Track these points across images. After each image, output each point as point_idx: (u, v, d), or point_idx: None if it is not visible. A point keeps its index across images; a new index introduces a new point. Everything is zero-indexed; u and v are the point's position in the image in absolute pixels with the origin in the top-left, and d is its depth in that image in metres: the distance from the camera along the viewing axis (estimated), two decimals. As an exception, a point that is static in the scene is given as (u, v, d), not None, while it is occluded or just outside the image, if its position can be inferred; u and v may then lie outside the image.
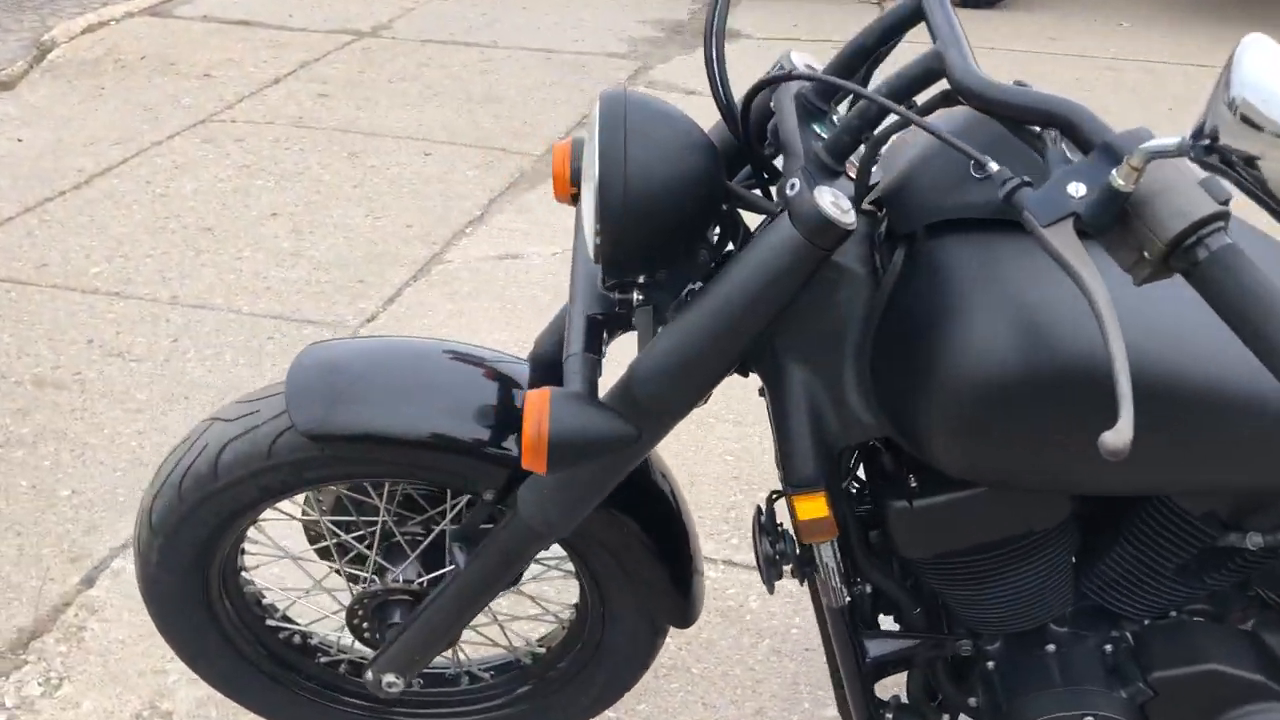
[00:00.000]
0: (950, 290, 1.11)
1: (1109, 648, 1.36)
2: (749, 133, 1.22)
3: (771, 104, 1.24)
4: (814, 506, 1.22)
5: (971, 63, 1.02)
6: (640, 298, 1.23)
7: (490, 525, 1.41)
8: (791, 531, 1.30)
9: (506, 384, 1.42)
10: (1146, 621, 1.36)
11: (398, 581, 1.48)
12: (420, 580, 1.48)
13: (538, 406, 1.11)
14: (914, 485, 1.26)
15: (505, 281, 3.13)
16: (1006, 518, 1.25)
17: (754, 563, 1.42)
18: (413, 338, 1.49)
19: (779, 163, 1.21)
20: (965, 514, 1.25)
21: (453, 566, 1.42)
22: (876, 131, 1.08)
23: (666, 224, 1.12)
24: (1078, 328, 1.05)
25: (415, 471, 1.40)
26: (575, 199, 1.43)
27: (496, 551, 1.35)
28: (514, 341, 2.82)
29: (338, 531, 1.51)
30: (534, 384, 1.41)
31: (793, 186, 1.06)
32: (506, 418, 1.37)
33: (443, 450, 1.35)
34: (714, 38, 1.19)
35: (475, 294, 3.07)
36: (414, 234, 3.36)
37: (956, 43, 1.05)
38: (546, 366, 1.45)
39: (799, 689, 1.90)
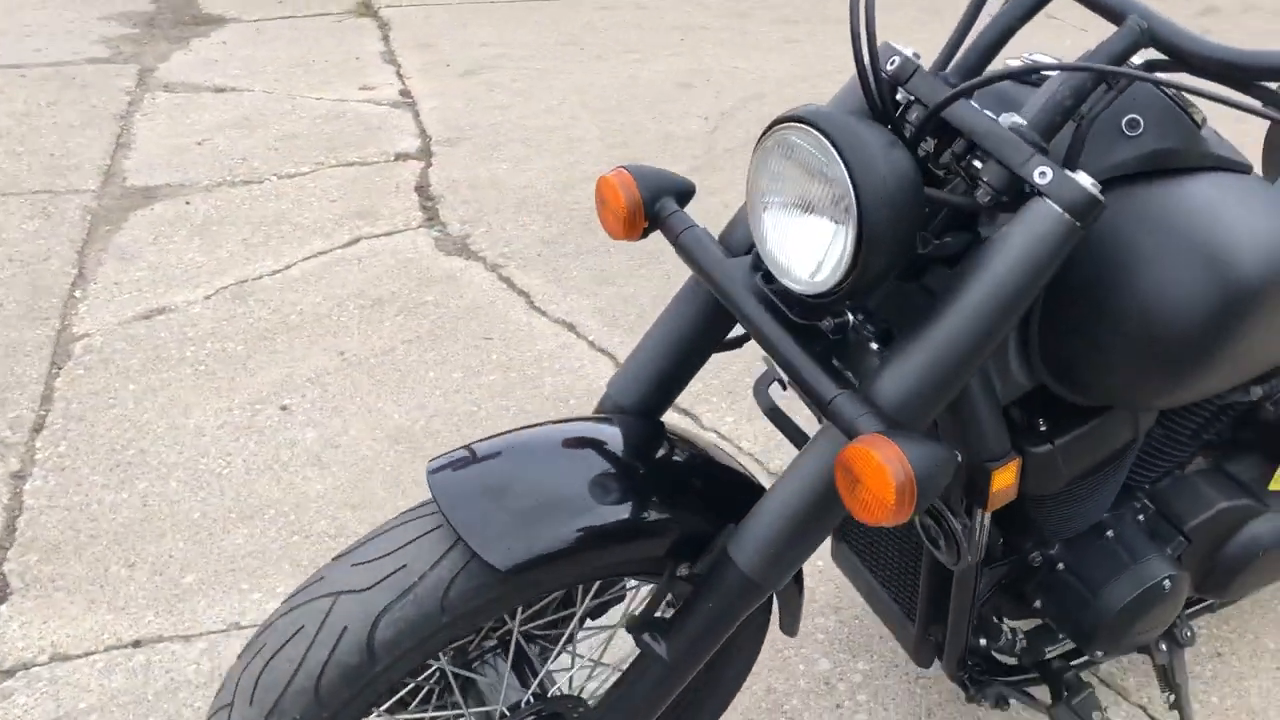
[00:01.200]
0: (1123, 244, 1.19)
1: (1141, 518, 1.57)
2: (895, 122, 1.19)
3: (905, 97, 1.22)
4: (1007, 475, 1.27)
5: (1183, 28, 1.10)
6: (857, 318, 1.17)
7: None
8: (957, 505, 1.33)
9: (638, 448, 1.27)
10: (1149, 486, 1.59)
11: (572, 692, 1.29)
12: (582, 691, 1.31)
13: (893, 453, 1.01)
14: (1045, 429, 1.35)
15: (173, 340, 2.66)
16: (1124, 432, 1.40)
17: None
18: (509, 431, 1.26)
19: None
20: (1098, 438, 1.37)
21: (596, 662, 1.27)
22: (1087, 108, 1.12)
23: (908, 237, 1.09)
24: (1242, 253, 1.19)
25: (603, 572, 1.22)
26: (644, 234, 1.33)
27: (706, 621, 1.22)
28: (235, 407, 2.44)
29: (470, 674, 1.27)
30: (642, 438, 1.29)
31: (1043, 174, 1.07)
32: (672, 484, 1.24)
33: (638, 538, 1.19)
34: (864, 28, 1.14)
35: (150, 365, 2.58)
36: (13, 314, 2.73)
37: (1153, 13, 1.11)
38: (646, 415, 1.34)
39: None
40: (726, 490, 1.29)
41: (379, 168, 3.54)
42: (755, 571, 1.16)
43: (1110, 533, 1.52)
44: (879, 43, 1.18)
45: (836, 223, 1.07)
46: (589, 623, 1.46)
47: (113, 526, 2.13)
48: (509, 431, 1.25)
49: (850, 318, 1.17)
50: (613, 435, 1.28)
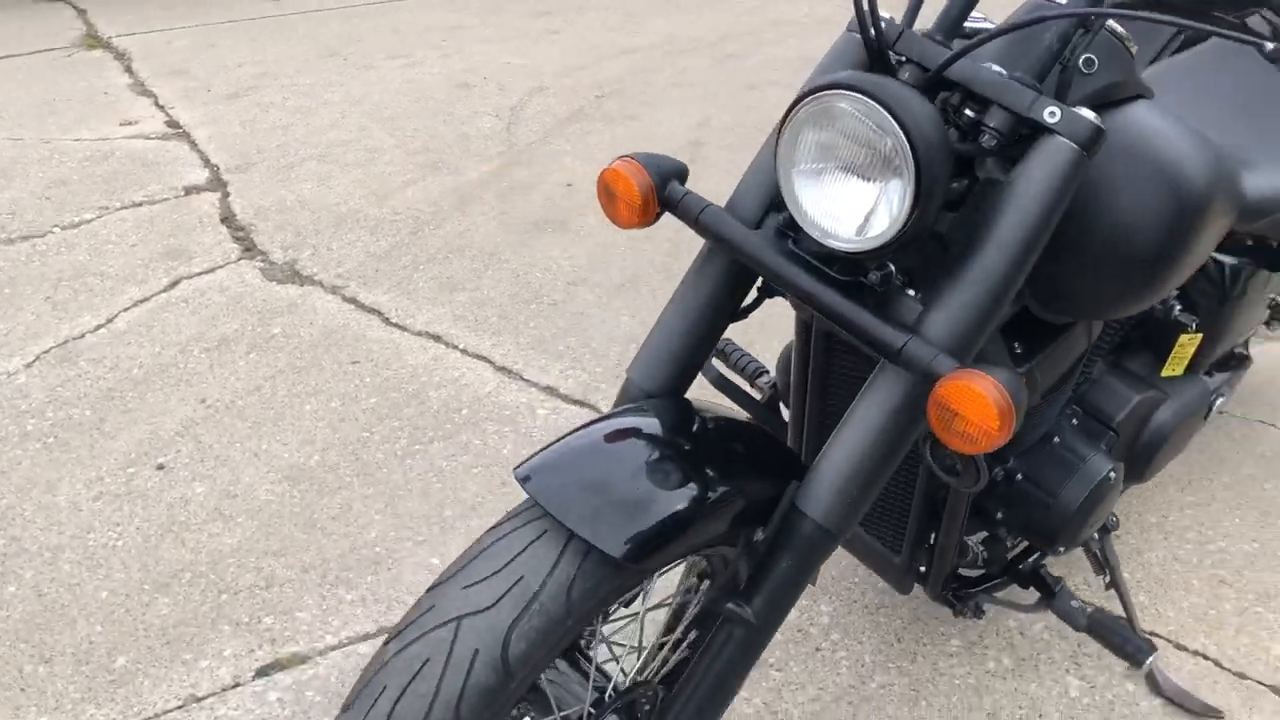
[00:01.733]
0: (1093, 173, 1.33)
1: (1075, 421, 1.74)
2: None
3: (895, 59, 1.29)
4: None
5: None
6: (893, 268, 1.24)
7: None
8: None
9: (682, 428, 1.30)
10: (1073, 391, 1.77)
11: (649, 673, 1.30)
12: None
13: (989, 384, 1.09)
14: (1020, 350, 1.48)
15: (6, 417, 2.43)
16: (1081, 344, 1.55)
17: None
18: (570, 433, 1.25)
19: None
20: (1063, 352, 1.52)
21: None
22: (1069, 50, 1.23)
23: (947, 187, 1.17)
24: (1188, 167, 1.35)
25: (695, 548, 1.24)
26: (655, 219, 1.35)
27: (785, 577, 1.27)
28: (105, 475, 2.27)
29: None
30: (681, 419, 1.32)
31: (1052, 114, 1.17)
32: (725, 456, 1.28)
33: (719, 510, 1.22)
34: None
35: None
36: None
37: None
38: (674, 395, 1.36)
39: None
40: (768, 454, 1.33)
41: (172, 204, 3.33)
42: (829, 520, 1.22)
43: (1056, 439, 1.68)
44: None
45: (886, 180, 1.14)
46: (620, 611, 1.48)
47: (10, 625, 1.93)
48: (570, 434, 1.24)
49: (892, 269, 1.24)
50: (657, 421, 1.29)
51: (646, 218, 1.34)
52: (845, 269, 1.23)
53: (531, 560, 1.12)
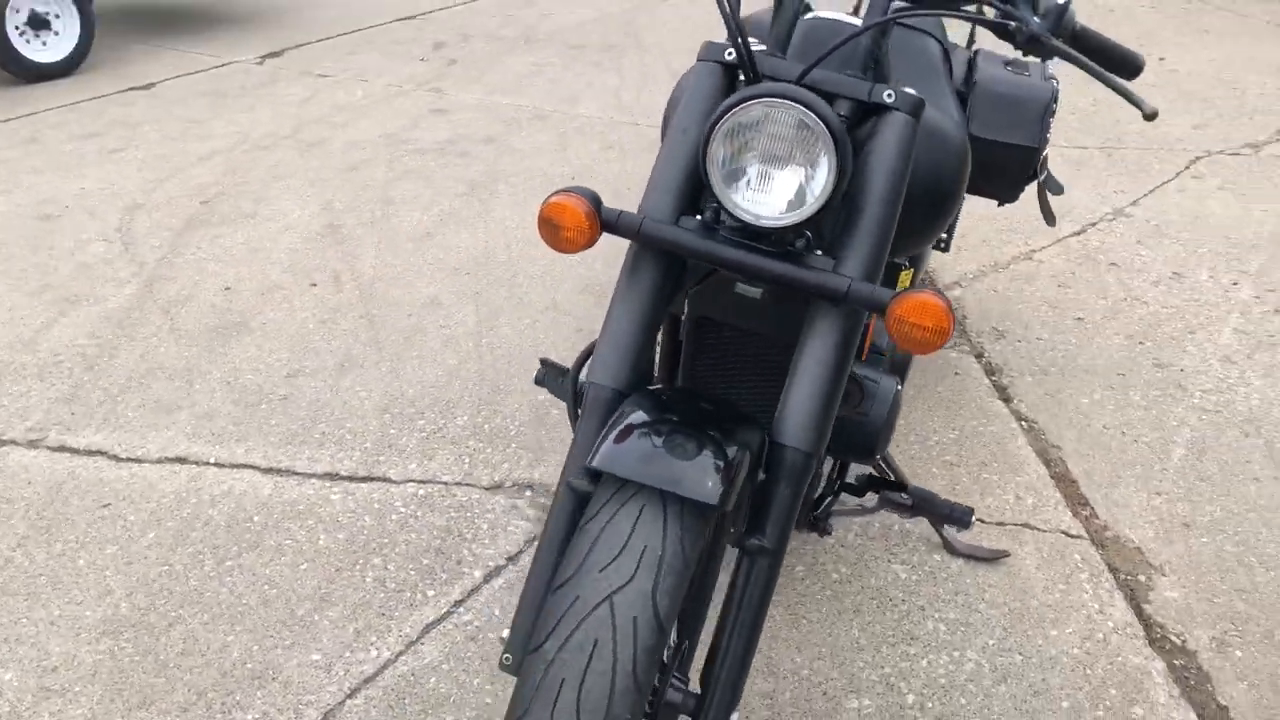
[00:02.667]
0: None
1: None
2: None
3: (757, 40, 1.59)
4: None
5: None
6: (809, 234, 1.52)
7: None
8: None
9: (668, 406, 1.50)
10: None
11: None
12: None
13: (934, 298, 1.40)
14: None
15: None
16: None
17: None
18: (609, 428, 1.38)
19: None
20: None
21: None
22: (881, 49, 1.60)
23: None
24: (952, 128, 1.78)
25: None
26: (595, 242, 1.54)
27: (784, 502, 1.50)
28: None
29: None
30: (658, 400, 1.52)
31: (889, 95, 1.53)
32: (715, 419, 1.49)
33: (747, 452, 1.43)
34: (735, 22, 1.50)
35: None
36: None
37: None
38: (641, 386, 1.56)
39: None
40: (733, 411, 1.57)
41: None
42: (808, 444, 1.49)
43: (852, 370, 2.07)
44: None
45: (811, 166, 1.43)
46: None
47: None
48: (607, 431, 1.39)
49: (809, 235, 1.52)
50: (661, 403, 1.48)
51: (591, 240, 1.53)
52: (774, 243, 1.51)
53: (644, 530, 1.28)
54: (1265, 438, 2.73)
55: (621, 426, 1.40)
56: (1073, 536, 2.38)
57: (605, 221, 1.53)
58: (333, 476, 2.56)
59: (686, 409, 1.49)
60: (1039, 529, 2.40)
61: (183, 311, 3.26)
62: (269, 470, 2.58)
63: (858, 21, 1.83)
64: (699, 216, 1.56)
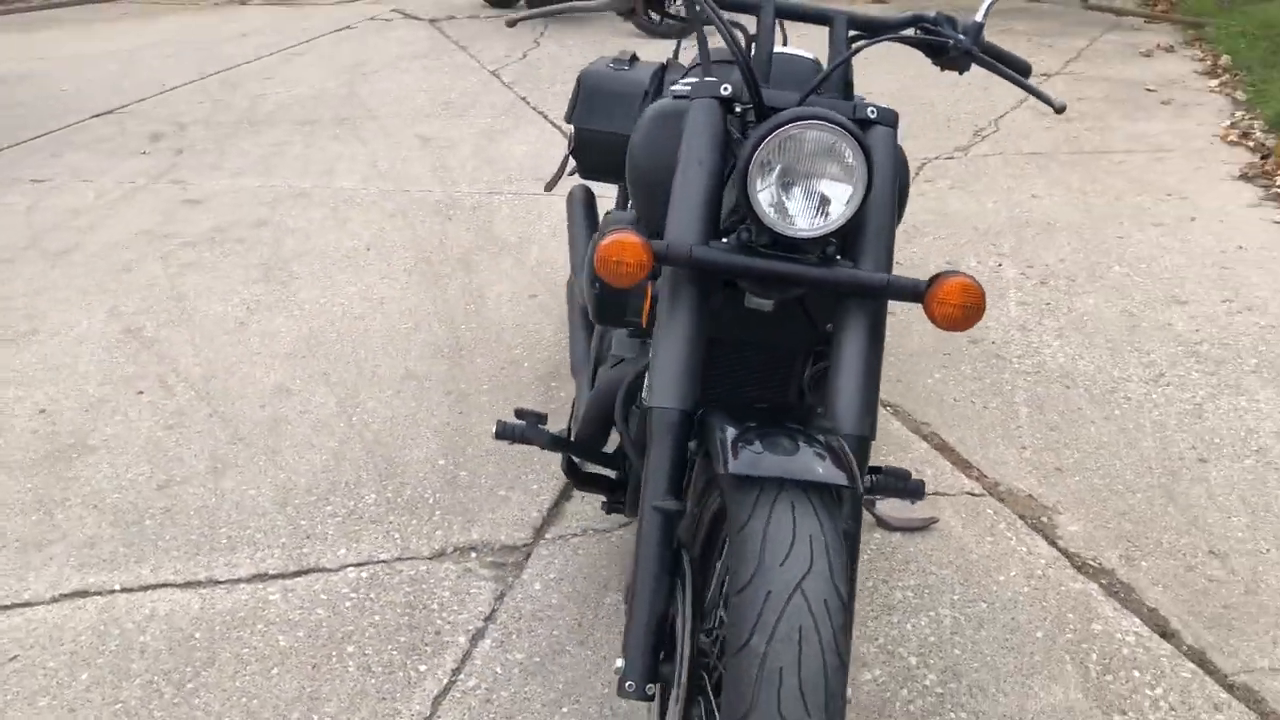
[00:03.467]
0: None
1: None
2: None
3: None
4: None
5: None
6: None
7: None
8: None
9: (753, 412, 1.61)
10: None
11: None
12: None
13: (968, 278, 1.58)
14: None
15: None
16: None
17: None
18: (726, 445, 1.47)
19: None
20: None
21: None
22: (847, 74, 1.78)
23: None
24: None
25: None
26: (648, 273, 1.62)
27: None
28: None
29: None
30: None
31: (871, 111, 1.71)
32: (795, 418, 1.62)
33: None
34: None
35: None
36: None
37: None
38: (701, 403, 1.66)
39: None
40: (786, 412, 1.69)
41: None
42: (867, 429, 1.63)
43: None
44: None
45: (845, 181, 1.58)
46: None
47: None
48: (728, 447, 1.47)
49: (834, 241, 1.67)
50: (729, 416, 1.58)
51: (648, 271, 1.60)
52: (805, 250, 1.64)
53: (804, 521, 1.38)
54: (1082, 387, 3.16)
55: (735, 435, 1.49)
56: (976, 495, 2.66)
57: (657, 253, 1.61)
58: (262, 577, 2.43)
59: (761, 415, 1.61)
60: (948, 494, 2.66)
61: (1, 445, 2.96)
62: (188, 584, 2.42)
63: (808, 54, 2.01)
64: (724, 240, 1.67)
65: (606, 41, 7.37)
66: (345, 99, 6.27)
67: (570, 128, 3.01)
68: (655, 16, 1.92)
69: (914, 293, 1.63)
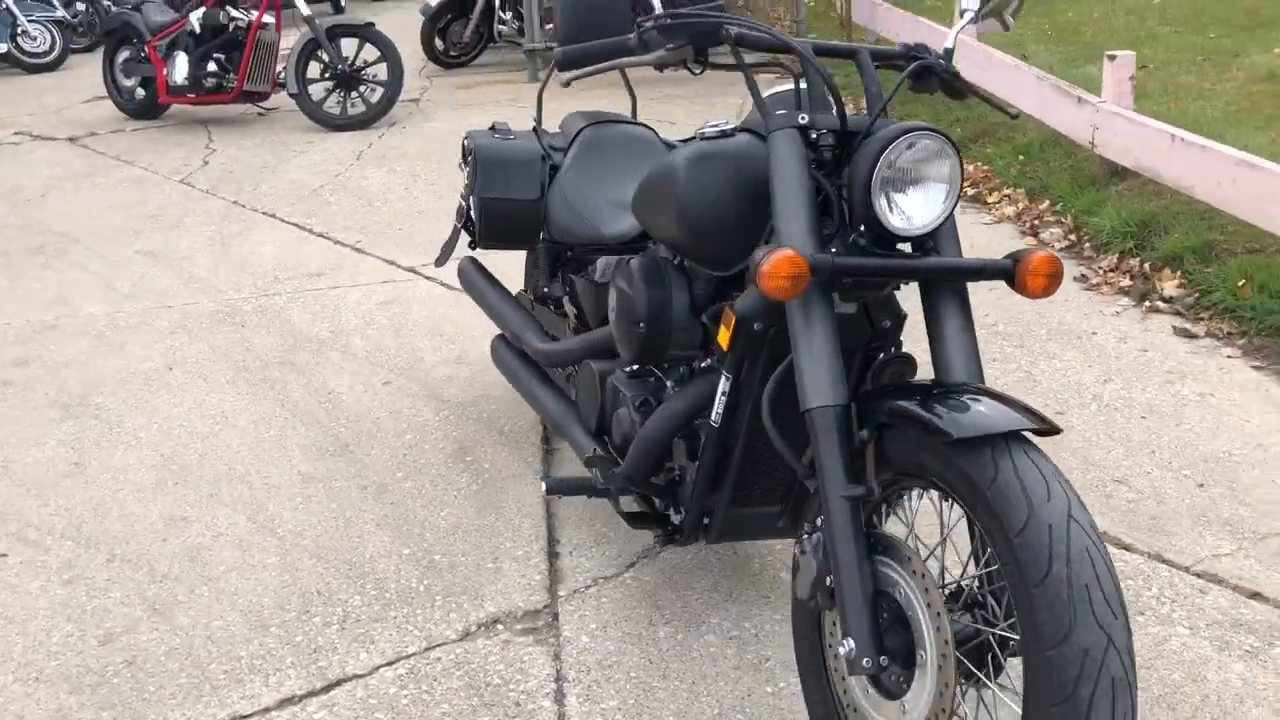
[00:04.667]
0: None
1: None
2: None
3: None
4: None
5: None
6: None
7: None
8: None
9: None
10: None
11: None
12: None
13: (1046, 250, 1.86)
14: None
15: None
16: None
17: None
18: (896, 394, 1.62)
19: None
20: None
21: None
22: None
23: None
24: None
25: None
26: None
27: None
28: None
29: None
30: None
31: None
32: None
33: None
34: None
35: None
36: None
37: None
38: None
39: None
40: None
41: None
42: (982, 380, 1.88)
43: None
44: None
45: (945, 182, 1.82)
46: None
47: None
48: (918, 412, 1.66)
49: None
50: (900, 395, 1.77)
51: (806, 284, 1.75)
52: (911, 246, 1.87)
53: (1040, 463, 1.60)
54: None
55: (933, 407, 1.67)
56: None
57: (813, 266, 1.77)
58: (291, 700, 2.27)
59: (924, 388, 1.81)
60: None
61: None
62: (214, 728, 2.20)
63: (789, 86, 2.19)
64: (832, 250, 1.86)
65: (285, 140, 7.21)
66: (25, 227, 5.71)
67: (463, 202, 3.07)
68: (697, 70, 2.07)
69: (1007, 271, 1.90)
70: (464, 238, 3.15)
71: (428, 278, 4.65)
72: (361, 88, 7.52)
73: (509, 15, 9.25)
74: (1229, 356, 3.62)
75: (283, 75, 7.55)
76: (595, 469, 2.32)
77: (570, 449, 3.19)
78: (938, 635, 1.67)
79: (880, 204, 1.82)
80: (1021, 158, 5.66)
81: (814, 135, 1.93)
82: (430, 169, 6.35)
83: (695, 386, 2.21)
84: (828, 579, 1.80)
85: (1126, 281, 4.20)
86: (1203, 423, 3.19)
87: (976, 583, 1.77)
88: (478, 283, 3.22)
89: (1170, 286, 4.05)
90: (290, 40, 7.61)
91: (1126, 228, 4.48)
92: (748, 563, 2.65)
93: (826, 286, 1.84)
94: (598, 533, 2.80)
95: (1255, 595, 2.46)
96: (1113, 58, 4.84)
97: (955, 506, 1.72)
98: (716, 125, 2.13)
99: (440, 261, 3.30)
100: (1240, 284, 3.88)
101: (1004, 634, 1.70)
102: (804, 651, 2.03)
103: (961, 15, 2.18)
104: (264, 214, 5.69)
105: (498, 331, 3.15)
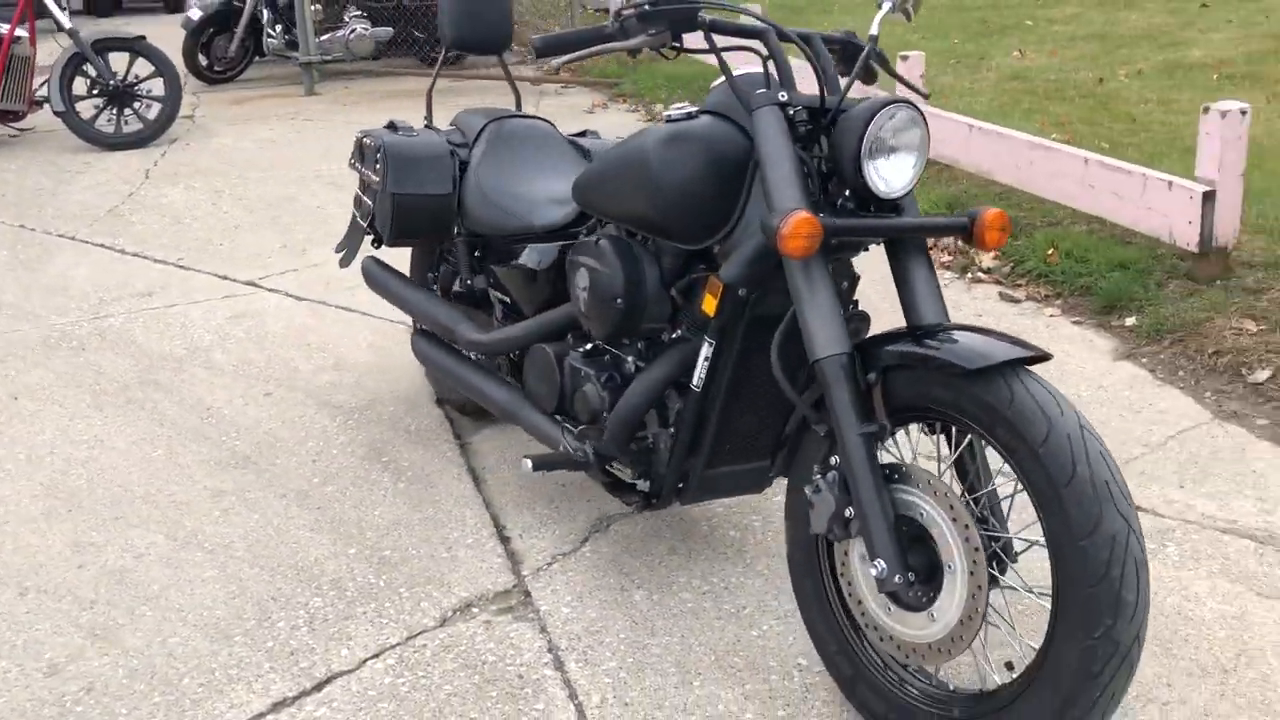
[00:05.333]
0: None
1: None
2: None
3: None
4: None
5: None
6: None
7: None
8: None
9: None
10: None
11: None
12: None
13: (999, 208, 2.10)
14: None
15: None
16: None
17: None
18: (895, 337, 1.80)
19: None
20: None
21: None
22: None
23: None
24: None
25: None
26: None
27: None
28: None
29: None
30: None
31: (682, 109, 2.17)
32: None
33: None
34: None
35: None
36: None
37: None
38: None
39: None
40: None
41: None
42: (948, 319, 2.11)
43: None
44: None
45: (916, 149, 2.03)
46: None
47: None
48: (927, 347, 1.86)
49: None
50: (893, 340, 1.97)
51: (821, 241, 1.92)
52: (888, 209, 2.07)
53: (1044, 382, 1.84)
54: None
55: (936, 347, 1.88)
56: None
57: (825, 227, 1.94)
58: (284, 704, 2.22)
59: (914, 333, 2.01)
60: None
61: None
62: (212, 738, 2.13)
63: (756, 68, 2.35)
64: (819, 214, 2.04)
65: (56, 161, 6.76)
66: None
67: (366, 200, 3.07)
68: (671, 55, 2.20)
69: (963, 227, 2.13)
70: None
71: (271, 290, 4.53)
72: (136, 104, 7.14)
73: (279, 29, 9.00)
74: (1051, 315, 4.07)
75: (41, 93, 7.07)
76: (584, 443, 2.41)
77: (498, 437, 3.24)
78: (967, 545, 1.87)
79: (870, 170, 2.01)
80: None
81: (790, 111, 2.10)
82: (233, 184, 6.13)
83: (671, 356, 2.33)
84: (846, 511, 1.97)
85: (947, 257, 4.62)
86: (1047, 372, 3.58)
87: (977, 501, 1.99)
88: (389, 282, 3.21)
89: (987, 259, 4.50)
90: (48, 55, 7.14)
91: (936, 209, 4.92)
92: (695, 526, 2.78)
93: (823, 248, 2.01)
94: (540, 515, 2.86)
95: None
96: (905, 57, 5.29)
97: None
98: (682, 108, 2.27)
99: (345, 262, 3.26)
100: (1049, 252, 4.37)
101: (1019, 540, 1.94)
102: (805, 588, 2.19)
103: (880, 6, 2.40)
104: (61, 236, 5.33)
105: (411, 329, 3.17)
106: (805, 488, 2.07)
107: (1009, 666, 2.06)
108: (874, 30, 2.34)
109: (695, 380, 2.26)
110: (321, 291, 4.47)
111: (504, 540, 2.77)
